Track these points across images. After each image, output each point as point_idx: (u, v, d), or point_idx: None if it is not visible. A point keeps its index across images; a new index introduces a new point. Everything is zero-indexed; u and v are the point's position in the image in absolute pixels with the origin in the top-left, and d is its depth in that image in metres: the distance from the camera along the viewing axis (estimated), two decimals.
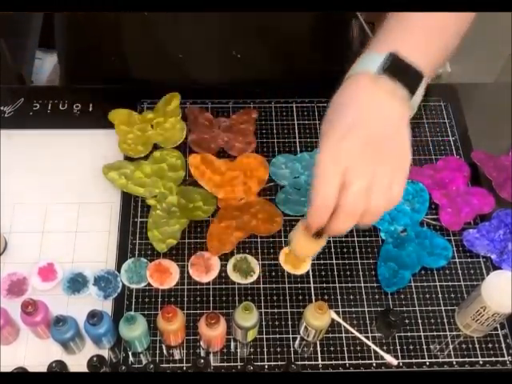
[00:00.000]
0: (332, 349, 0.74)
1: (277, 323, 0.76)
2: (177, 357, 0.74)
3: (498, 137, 0.94)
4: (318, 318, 0.70)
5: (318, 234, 0.64)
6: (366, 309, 0.77)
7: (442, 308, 0.78)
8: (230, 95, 0.97)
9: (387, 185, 0.60)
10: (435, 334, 0.76)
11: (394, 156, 0.61)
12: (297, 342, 0.75)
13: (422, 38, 0.66)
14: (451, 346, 0.75)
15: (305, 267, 0.80)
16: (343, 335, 0.75)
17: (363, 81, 0.63)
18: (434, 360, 0.74)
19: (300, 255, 0.71)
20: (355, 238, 0.83)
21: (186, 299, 0.78)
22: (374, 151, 0.59)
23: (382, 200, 0.60)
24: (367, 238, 0.83)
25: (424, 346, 0.75)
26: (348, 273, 0.80)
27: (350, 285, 0.79)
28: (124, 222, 0.84)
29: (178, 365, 0.73)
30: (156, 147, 0.90)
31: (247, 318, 0.70)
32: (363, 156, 0.59)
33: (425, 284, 0.79)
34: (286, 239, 0.83)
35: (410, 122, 0.88)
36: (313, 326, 0.71)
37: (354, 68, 0.65)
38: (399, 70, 0.62)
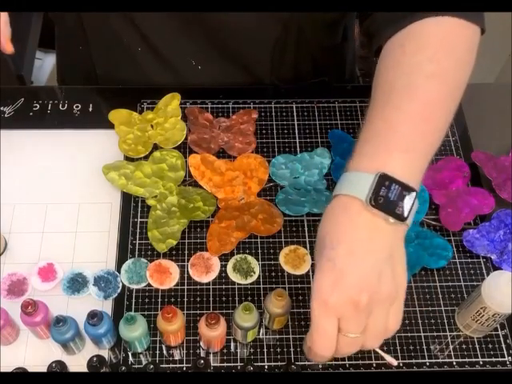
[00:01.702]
0: None
1: None
2: (177, 357, 0.74)
3: (498, 137, 0.94)
4: (275, 304, 0.70)
5: None
6: None
7: (442, 308, 0.78)
8: (230, 95, 0.97)
9: (382, 325, 0.59)
10: (435, 334, 0.76)
11: (389, 291, 0.58)
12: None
13: (408, 144, 0.62)
14: (451, 347, 0.75)
15: (305, 267, 0.80)
16: None
17: (353, 209, 0.59)
18: (434, 360, 0.74)
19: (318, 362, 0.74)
20: None
21: (186, 299, 0.78)
22: (367, 297, 0.57)
23: (377, 340, 0.60)
24: None
25: (424, 347, 0.75)
26: None
27: None
28: (124, 222, 0.84)
29: (178, 365, 0.73)
30: (156, 147, 0.90)
31: (247, 318, 0.70)
32: (356, 306, 0.57)
33: (425, 284, 0.80)
34: (285, 239, 0.83)
35: None
36: (269, 311, 0.72)
37: (342, 186, 0.61)
38: (388, 202, 0.58)
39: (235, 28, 0.86)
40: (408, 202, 0.59)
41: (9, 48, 0.76)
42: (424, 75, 0.64)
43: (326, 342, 0.59)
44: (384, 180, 0.59)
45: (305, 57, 0.97)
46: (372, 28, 0.75)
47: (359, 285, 0.57)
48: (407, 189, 0.60)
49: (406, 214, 0.59)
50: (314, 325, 0.59)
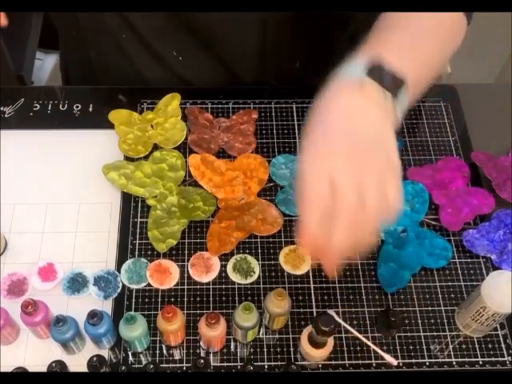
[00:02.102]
0: (332, 349, 0.74)
1: None
2: (177, 357, 0.74)
3: (498, 137, 0.94)
4: (275, 304, 0.71)
5: (319, 346, 0.71)
6: (365, 309, 0.77)
7: (442, 308, 0.78)
8: (230, 95, 0.97)
9: (378, 183, 0.56)
10: (435, 334, 0.76)
11: (381, 158, 0.58)
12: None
13: (405, 47, 0.66)
14: (451, 346, 0.75)
15: (305, 267, 0.80)
16: (343, 335, 0.75)
17: (345, 86, 0.61)
18: (433, 360, 0.74)
19: (309, 360, 0.74)
20: None
21: (185, 299, 0.78)
22: (359, 151, 0.57)
23: (378, 199, 0.56)
24: None
25: (424, 346, 0.75)
26: (348, 273, 0.80)
27: (349, 285, 0.79)
28: (124, 222, 0.84)
29: (177, 365, 0.73)
30: (156, 147, 0.90)
31: (247, 318, 0.70)
32: (349, 155, 0.56)
33: (425, 284, 0.80)
34: (285, 239, 0.83)
35: (410, 122, 0.88)
36: (269, 311, 0.72)
37: (337, 74, 0.63)
38: (380, 74, 0.61)
39: (219, 26, 0.87)
40: (399, 87, 0.62)
41: (2, 20, 0.73)
42: (419, 28, 0.68)
43: (318, 188, 0.55)
44: (377, 65, 0.62)
45: (292, 54, 0.96)
46: (358, 33, 0.76)
47: (353, 134, 0.58)
48: (398, 77, 0.62)
49: (396, 94, 0.61)
50: (305, 174, 0.57)
